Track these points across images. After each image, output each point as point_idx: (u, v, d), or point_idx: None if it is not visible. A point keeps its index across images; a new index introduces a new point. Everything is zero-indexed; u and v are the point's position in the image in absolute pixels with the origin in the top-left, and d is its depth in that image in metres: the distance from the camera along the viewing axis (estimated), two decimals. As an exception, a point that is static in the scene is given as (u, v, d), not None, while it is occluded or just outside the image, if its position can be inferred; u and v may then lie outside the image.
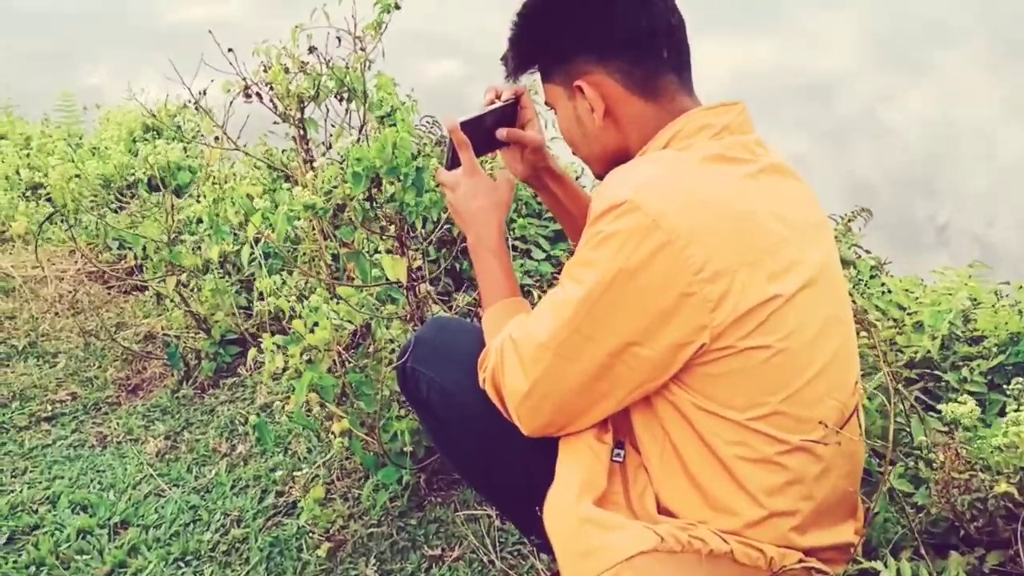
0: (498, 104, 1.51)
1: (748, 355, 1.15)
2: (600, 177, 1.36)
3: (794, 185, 1.29)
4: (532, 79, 1.43)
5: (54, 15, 9.32)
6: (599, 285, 1.16)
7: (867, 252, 2.91)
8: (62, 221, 3.36)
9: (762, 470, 1.19)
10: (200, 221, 2.96)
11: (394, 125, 1.65)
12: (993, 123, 6.20)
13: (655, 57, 1.28)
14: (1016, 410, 1.49)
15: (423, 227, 2.51)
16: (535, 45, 1.35)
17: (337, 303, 1.92)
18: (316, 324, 1.79)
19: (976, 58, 7.22)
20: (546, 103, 1.40)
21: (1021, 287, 2.39)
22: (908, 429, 1.84)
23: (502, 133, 1.51)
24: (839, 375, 1.24)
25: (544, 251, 3.05)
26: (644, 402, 1.24)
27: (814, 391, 1.19)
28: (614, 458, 1.29)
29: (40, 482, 2.29)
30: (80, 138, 5.01)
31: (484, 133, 1.51)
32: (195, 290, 2.74)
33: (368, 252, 2.07)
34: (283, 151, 3.12)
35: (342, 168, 1.67)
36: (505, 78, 1.42)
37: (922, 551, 1.38)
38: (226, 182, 3.23)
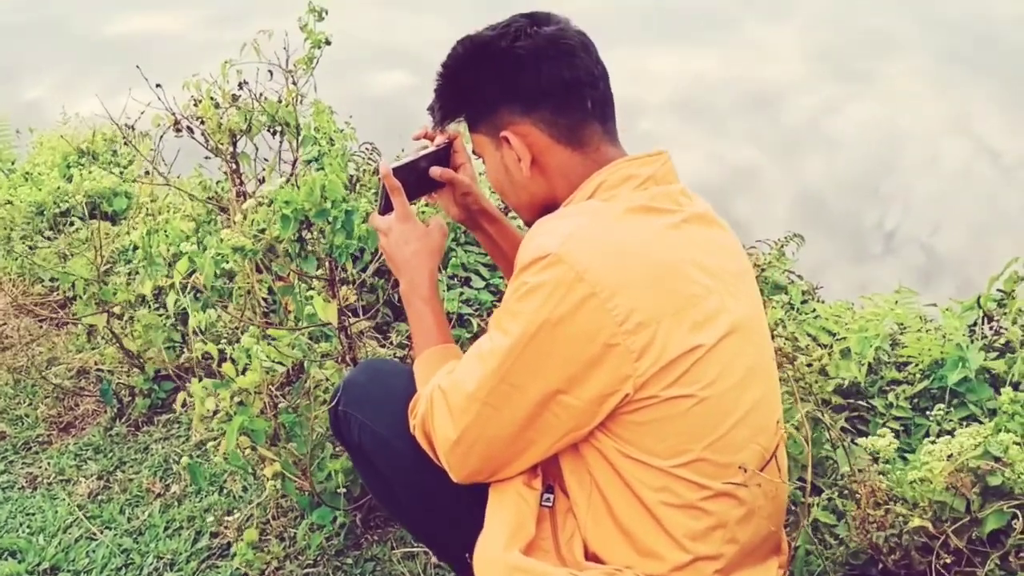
0: (431, 148, 1.53)
1: (671, 404, 1.17)
2: (529, 224, 1.38)
3: (718, 234, 1.32)
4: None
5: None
6: (524, 336, 1.18)
7: (799, 277, 2.97)
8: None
9: (686, 515, 1.21)
10: (136, 248, 2.91)
11: (321, 168, 1.65)
12: (937, 131, 6.35)
13: (579, 108, 1.30)
14: (932, 442, 1.54)
15: (360, 258, 2.50)
16: (461, 96, 1.36)
17: (269, 344, 1.90)
18: (247, 366, 1.78)
19: (919, 67, 7.38)
20: (474, 152, 1.41)
21: (946, 310, 2.45)
22: (835, 458, 1.88)
23: (435, 171, 1.53)
24: (761, 420, 1.26)
25: (484, 279, 3.06)
26: (572, 449, 1.25)
27: (736, 437, 1.22)
28: (543, 503, 1.30)
29: (-34, 527, 2.23)
30: (12, 163, 4.88)
31: (417, 178, 1.52)
32: (128, 323, 2.68)
33: (302, 290, 2.05)
34: (217, 182, 3.09)
35: (270, 210, 1.67)
36: (432, 127, 1.43)
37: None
38: (160, 213, 3.19)
